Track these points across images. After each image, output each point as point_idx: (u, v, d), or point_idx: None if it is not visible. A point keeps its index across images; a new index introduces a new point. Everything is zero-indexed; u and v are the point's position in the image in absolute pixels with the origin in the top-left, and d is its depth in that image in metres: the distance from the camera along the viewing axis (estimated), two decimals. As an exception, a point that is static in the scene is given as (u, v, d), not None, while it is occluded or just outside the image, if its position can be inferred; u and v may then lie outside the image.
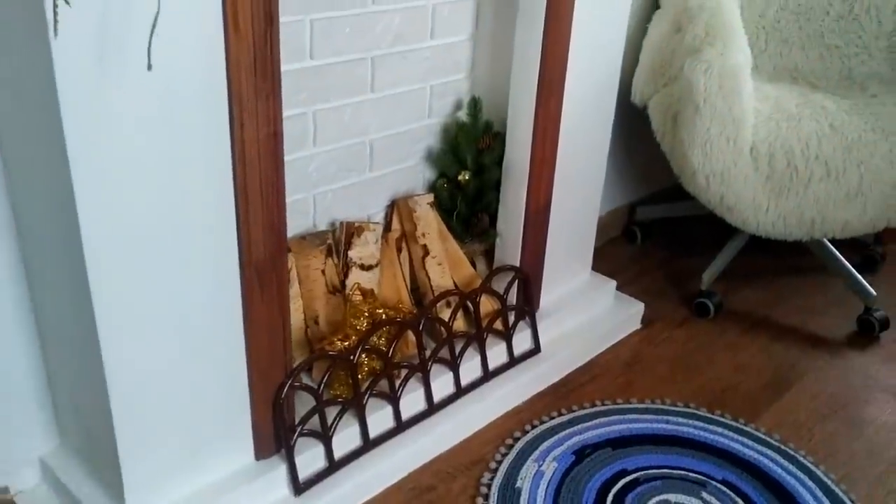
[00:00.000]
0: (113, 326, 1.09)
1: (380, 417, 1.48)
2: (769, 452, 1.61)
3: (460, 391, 1.61)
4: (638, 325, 2.01)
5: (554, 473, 1.53)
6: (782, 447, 1.63)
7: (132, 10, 0.93)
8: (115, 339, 1.10)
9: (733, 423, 1.69)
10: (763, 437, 1.65)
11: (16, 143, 1.10)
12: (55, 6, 0.80)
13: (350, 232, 1.59)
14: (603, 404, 1.73)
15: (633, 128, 2.19)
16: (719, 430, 1.67)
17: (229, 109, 1.09)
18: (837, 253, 2.09)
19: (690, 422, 1.68)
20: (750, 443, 1.63)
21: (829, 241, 2.05)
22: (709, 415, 1.71)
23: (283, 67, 1.14)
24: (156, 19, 0.89)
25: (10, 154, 1.13)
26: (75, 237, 1.02)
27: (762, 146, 1.83)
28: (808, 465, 1.58)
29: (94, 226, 1.02)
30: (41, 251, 1.17)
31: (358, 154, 1.60)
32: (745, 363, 1.91)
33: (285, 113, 1.19)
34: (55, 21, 0.81)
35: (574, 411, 1.70)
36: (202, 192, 1.11)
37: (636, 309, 2.00)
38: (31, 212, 1.15)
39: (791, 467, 1.58)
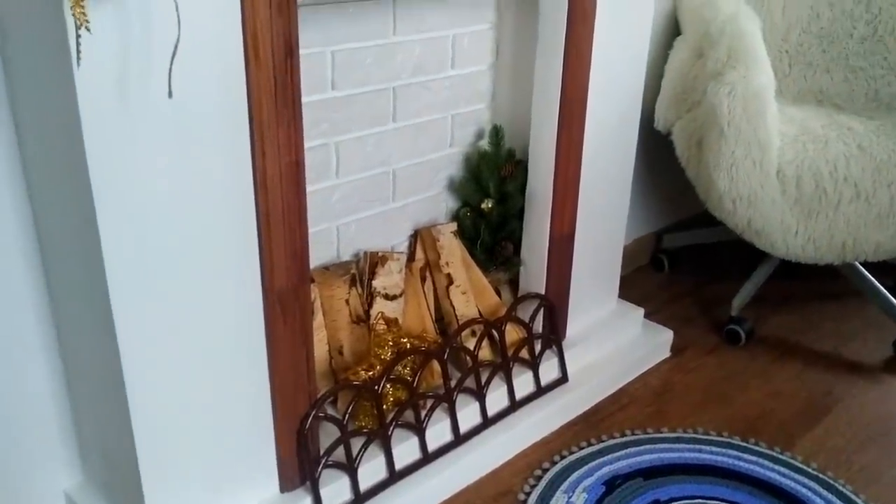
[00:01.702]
0: (137, 359, 1.09)
1: (405, 448, 1.46)
2: (807, 481, 1.56)
3: (487, 421, 1.58)
4: (667, 354, 1.98)
5: (584, 505, 1.50)
6: (820, 476, 1.58)
7: (153, 38, 0.94)
8: (139, 372, 1.10)
9: (768, 452, 1.64)
10: (800, 465, 1.61)
11: (40, 173, 1.12)
12: (77, 36, 0.81)
13: (374, 262, 1.59)
14: (633, 434, 1.69)
15: (658, 155, 2.18)
16: (754, 458, 1.62)
17: (251, 137, 1.10)
18: (870, 276, 2.04)
19: (724, 451, 1.64)
20: (786, 472, 1.59)
21: (861, 263, 2.01)
22: (743, 443, 1.67)
23: (304, 98, 1.15)
24: (176, 46, 0.90)
25: (34, 182, 1.14)
26: (98, 266, 1.03)
27: (789, 168, 1.81)
28: (849, 493, 1.53)
29: (116, 255, 1.03)
30: (65, 281, 1.17)
31: (381, 184, 1.60)
32: (778, 390, 1.86)
33: (308, 144, 1.19)
34: (78, 51, 0.82)
35: (604, 441, 1.66)
36: (224, 221, 1.12)
37: (665, 337, 1.97)
38: (55, 242, 1.15)
39: (830, 497, 1.53)
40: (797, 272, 2.12)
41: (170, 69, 0.92)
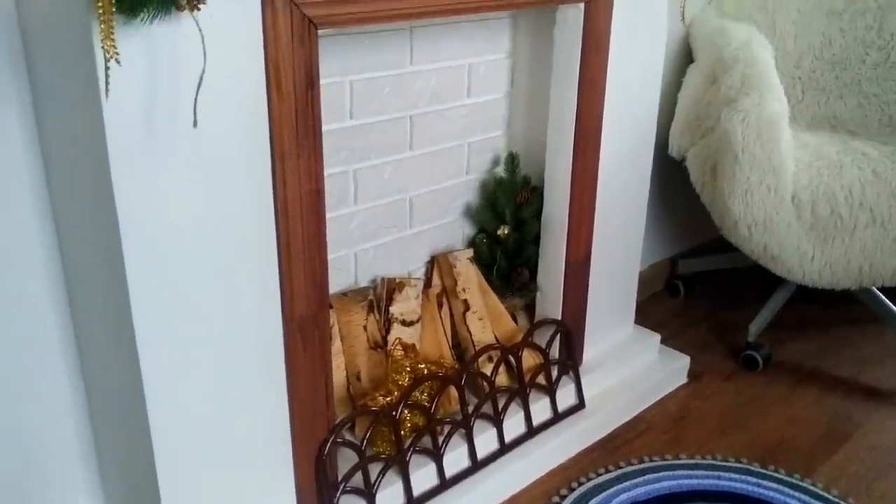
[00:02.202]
0: (159, 383, 1.10)
1: (423, 474, 1.46)
2: (827, 508, 1.55)
3: (504, 447, 1.58)
4: (684, 380, 1.97)
5: (603, 532, 1.49)
6: (841, 503, 1.56)
7: (179, 69, 0.97)
8: (161, 396, 1.11)
9: (788, 479, 1.63)
10: (820, 492, 1.59)
11: (66, 200, 1.14)
12: (107, 68, 0.83)
13: (391, 288, 1.60)
14: (651, 460, 1.68)
15: (672, 181, 2.19)
16: (774, 485, 1.61)
17: (272, 166, 1.12)
18: (887, 301, 2.04)
19: (743, 477, 1.63)
20: (807, 499, 1.58)
21: (879, 288, 2.01)
22: (762, 470, 1.66)
23: (323, 127, 1.17)
24: (201, 77, 0.92)
25: (60, 209, 1.16)
26: (122, 292, 1.05)
27: (804, 194, 1.82)
28: (870, 521, 1.52)
29: (140, 281, 1.04)
30: (89, 305, 1.19)
31: (398, 211, 1.62)
32: (797, 416, 1.85)
33: (326, 171, 1.21)
34: (107, 82, 0.84)
35: (622, 468, 1.66)
36: (246, 248, 1.14)
37: (682, 362, 1.97)
38: (79, 267, 1.17)
39: (851, 524, 1.52)
40: (814, 297, 2.12)
41: (195, 100, 0.94)
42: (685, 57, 2.13)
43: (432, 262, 1.72)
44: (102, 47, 0.82)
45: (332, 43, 1.37)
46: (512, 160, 1.73)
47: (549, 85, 1.59)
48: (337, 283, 1.56)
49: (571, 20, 1.50)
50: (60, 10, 0.95)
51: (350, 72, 1.43)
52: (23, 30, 1.06)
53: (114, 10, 0.81)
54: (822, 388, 1.96)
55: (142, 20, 0.87)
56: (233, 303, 1.15)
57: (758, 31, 2.08)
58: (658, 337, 1.95)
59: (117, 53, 0.82)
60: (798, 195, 1.82)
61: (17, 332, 1.20)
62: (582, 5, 1.47)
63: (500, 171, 1.75)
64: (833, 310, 2.28)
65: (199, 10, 0.90)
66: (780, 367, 2.04)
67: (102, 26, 0.81)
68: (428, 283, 1.71)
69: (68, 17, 0.94)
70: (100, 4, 0.80)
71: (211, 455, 1.20)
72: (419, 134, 1.60)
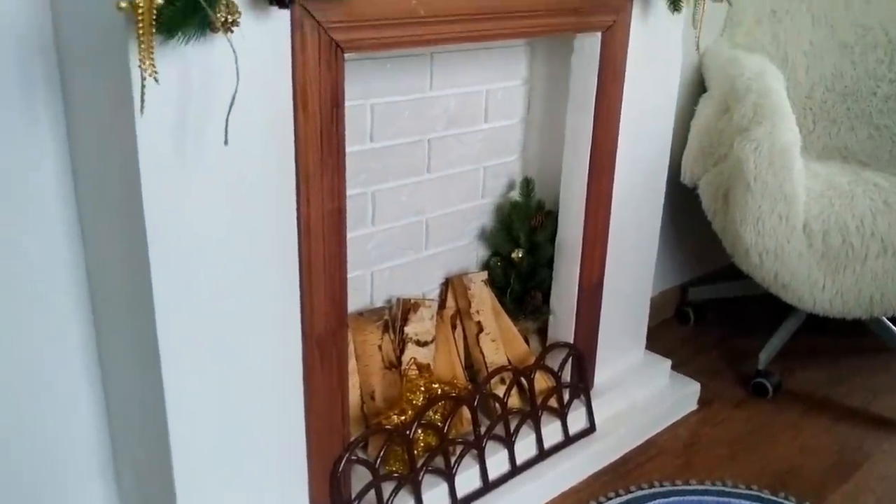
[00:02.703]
0: (180, 395, 1.12)
1: (435, 494, 1.47)
2: (838, 537, 1.55)
3: (516, 469, 1.59)
4: (695, 406, 1.98)
5: (613, 555, 1.49)
6: (852, 531, 1.57)
7: (210, 88, 1.00)
8: (182, 408, 1.13)
9: (799, 506, 1.64)
10: (831, 520, 1.60)
11: (94, 213, 1.16)
12: (143, 86, 0.86)
13: (406, 308, 1.62)
14: (661, 485, 1.69)
15: (684, 208, 2.21)
16: (784, 512, 1.62)
17: (296, 185, 1.15)
18: (897, 331, 2.05)
19: (753, 504, 1.64)
20: (817, 526, 1.58)
21: (889, 318, 2.02)
22: (772, 497, 1.66)
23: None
24: (234, 96, 0.95)
25: (87, 222, 1.19)
26: (148, 306, 1.07)
27: (815, 223, 1.83)
28: (881, 550, 1.52)
29: (166, 295, 1.06)
30: (113, 317, 1.21)
31: (414, 232, 1.64)
32: (808, 444, 1.85)
33: (347, 192, 1.24)
34: (142, 100, 0.87)
35: (632, 492, 1.66)
36: (268, 265, 1.16)
37: (692, 388, 1.97)
38: (104, 279, 1.20)
39: (862, 552, 1.52)
40: (824, 326, 2.13)
41: (227, 118, 0.96)
42: (698, 86, 2.16)
43: (447, 283, 1.74)
44: (140, 66, 0.85)
45: (356, 67, 1.40)
46: (527, 184, 1.75)
47: (564, 111, 1.62)
48: (353, 302, 1.57)
49: (588, 48, 1.53)
50: (98, 29, 0.99)
51: (371, 95, 1.46)
52: (59, 49, 1.09)
53: (153, 30, 0.84)
54: (832, 417, 1.96)
55: (178, 40, 0.90)
56: (254, 318, 1.17)
57: (770, 62, 2.11)
58: (669, 362, 1.96)
59: (156, 72, 0.84)
60: (809, 224, 1.84)
61: (40, 344, 1.22)
62: (599, 34, 1.50)
63: (515, 195, 1.77)
64: (844, 339, 2.28)
65: (232, 31, 0.93)
66: (791, 395, 2.05)
67: (142, 45, 0.84)
68: (442, 305, 1.73)
69: (106, 37, 0.97)
70: (140, 25, 0.83)
71: (228, 468, 1.21)
72: (437, 157, 1.62)
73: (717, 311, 2.43)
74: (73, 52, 1.07)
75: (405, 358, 1.58)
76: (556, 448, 1.67)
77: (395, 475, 1.43)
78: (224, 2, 0.91)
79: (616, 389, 1.82)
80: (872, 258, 1.82)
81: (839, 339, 2.29)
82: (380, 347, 1.57)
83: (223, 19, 0.91)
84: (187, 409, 1.14)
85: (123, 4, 0.83)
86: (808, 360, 2.20)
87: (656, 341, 2.06)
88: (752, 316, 2.39)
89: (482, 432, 1.54)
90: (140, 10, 0.83)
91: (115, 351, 1.24)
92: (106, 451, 1.34)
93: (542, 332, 1.80)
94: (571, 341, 1.72)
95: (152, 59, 0.84)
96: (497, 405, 1.58)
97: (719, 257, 2.09)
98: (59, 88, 1.12)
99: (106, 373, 1.29)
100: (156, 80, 0.85)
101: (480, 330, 1.68)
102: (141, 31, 0.83)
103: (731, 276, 2.16)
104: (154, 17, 0.84)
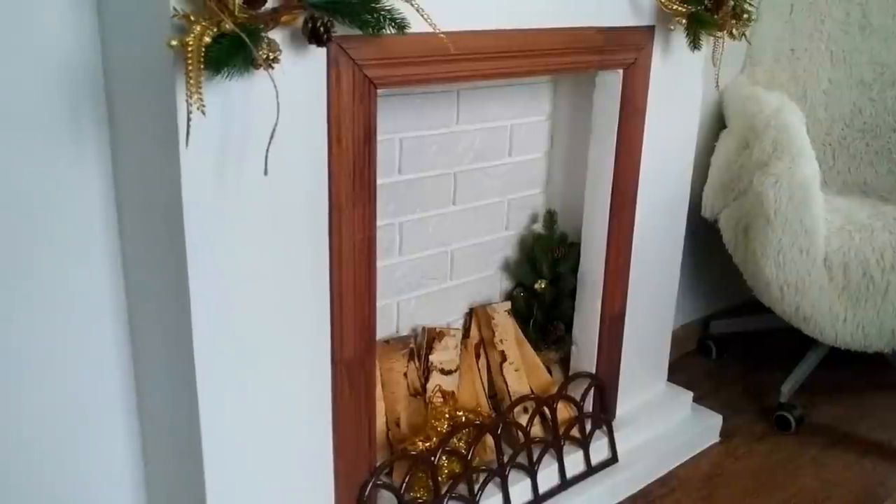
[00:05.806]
0: (215, 418, 1.16)
1: (459, 521, 1.49)
2: (862, 570, 1.55)
3: (538, 498, 1.60)
4: (716, 438, 1.99)
5: (636, 585, 1.49)
6: (876, 565, 1.56)
7: (250, 122, 1.05)
8: (216, 430, 1.16)
9: (822, 540, 1.63)
10: (855, 554, 1.59)
11: (135, 242, 1.21)
12: (189, 119, 0.91)
13: (431, 337, 1.65)
14: (684, 517, 1.69)
15: (705, 242, 2.23)
16: (807, 545, 1.61)
17: (329, 215, 1.19)
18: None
19: (776, 536, 1.64)
20: (841, 560, 1.57)
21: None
22: (795, 530, 1.66)
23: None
24: (274, 129, 1.00)
25: (128, 251, 1.24)
26: (186, 332, 1.11)
27: (836, 256, 1.85)
28: (906, 584, 1.51)
29: (204, 322, 1.10)
30: (151, 344, 1.25)
31: (440, 263, 1.68)
32: (831, 479, 1.85)
33: (377, 222, 1.28)
34: (188, 132, 0.92)
35: (654, 523, 1.67)
36: (301, 292, 1.20)
37: (714, 421, 1.98)
38: (144, 305, 1.24)
39: (887, 586, 1.51)
40: (847, 359, 2.13)
41: (267, 149, 1.01)
42: (718, 122, 2.20)
43: (471, 313, 1.77)
44: (188, 100, 0.90)
45: (386, 103, 1.45)
46: (550, 217, 1.79)
47: (587, 146, 1.66)
48: (379, 331, 1.60)
49: (610, 85, 1.58)
50: (146, 66, 1.04)
51: (401, 130, 1.51)
52: (107, 84, 1.15)
53: (202, 66, 0.89)
54: (856, 452, 1.96)
55: (223, 76, 0.95)
56: (287, 344, 1.20)
57: (789, 99, 2.14)
58: (690, 395, 1.97)
59: (203, 105, 0.89)
60: (830, 257, 1.86)
61: (76, 361, 1.25)
62: (621, 71, 1.55)
63: (539, 227, 1.81)
64: (866, 372, 2.28)
65: (273, 68, 0.98)
66: (813, 428, 2.05)
67: (190, 80, 0.89)
68: (466, 334, 1.76)
69: (154, 73, 1.02)
70: (189, 61, 0.88)
71: (259, 490, 1.24)
72: (462, 190, 1.67)
73: (740, 344, 2.44)
74: (121, 87, 1.12)
75: (430, 386, 1.61)
76: (579, 478, 1.68)
77: (420, 501, 1.45)
78: (266, 40, 0.97)
79: (638, 421, 1.83)
80: (893, 291, 1.83)
81: (861, 372, 2.29)
82: (405, 375, 1.60)
83: (265, 56, 0.96)
84: (221, 433, 1.17)
85: (174, 42, 0.88)
86: (830, 393, 2.20)
87: (679, 374, 2.08)
88: (774, 349, 2.39)
89: (505, 460, 1.56)
90: (190, 48, 0.88)
91: (152, 378, 1.28)
92: (138, 468, 1.37)
93: (565, 362, 1.83)
94: (594, 372, 1.74)
95: (200, 93, 0.89)
96: (520, 434, 1.60)
97: (741, 291, 2.11)
98: (105, 123, 1.17)
99: (141, 392, 1.33)
100: (203, 112, 0.90)
101: (504, 359, 1.71)
102: (190, 67, 0.89)
103: (753, 309, 2.18)
104: (202, 53, 0.89)
